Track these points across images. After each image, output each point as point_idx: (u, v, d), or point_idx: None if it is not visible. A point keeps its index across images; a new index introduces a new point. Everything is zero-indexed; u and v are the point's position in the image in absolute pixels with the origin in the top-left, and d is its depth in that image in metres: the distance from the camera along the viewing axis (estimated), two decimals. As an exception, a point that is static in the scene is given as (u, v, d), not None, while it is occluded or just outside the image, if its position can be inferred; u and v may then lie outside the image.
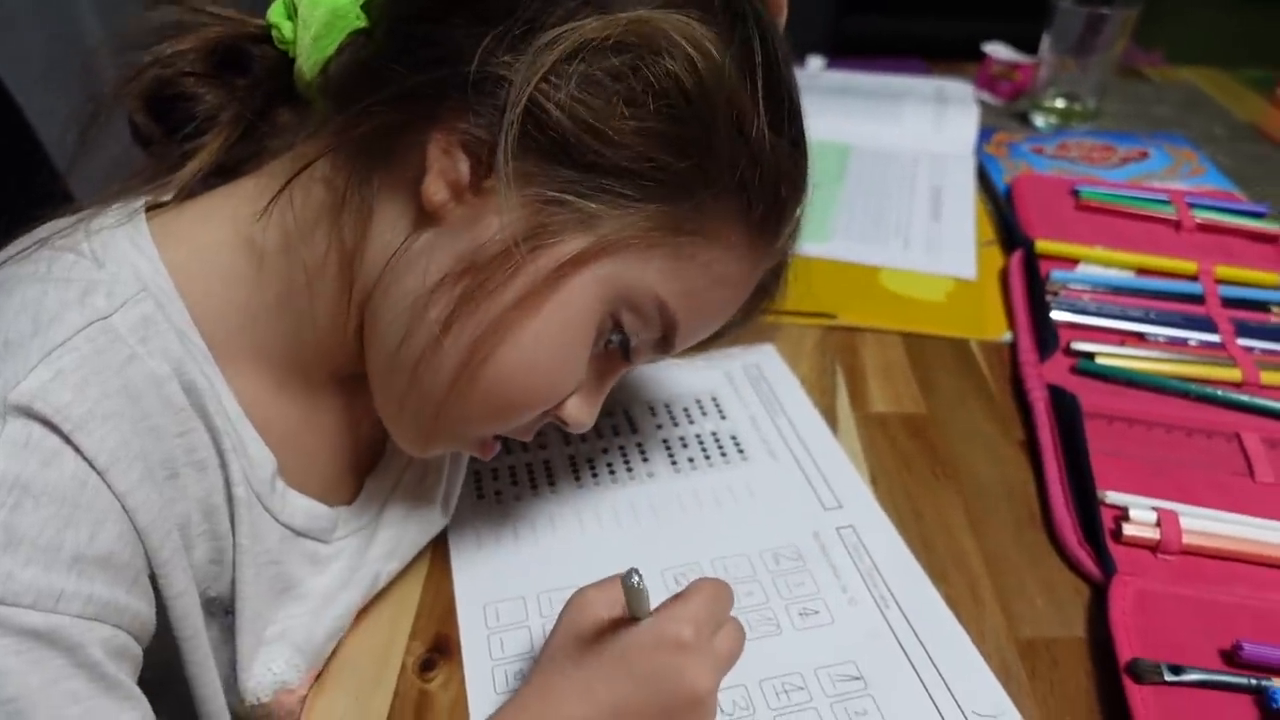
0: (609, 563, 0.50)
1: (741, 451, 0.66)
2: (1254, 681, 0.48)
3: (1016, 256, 0.86)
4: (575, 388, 0.47)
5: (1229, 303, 0.79)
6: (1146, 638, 0.51)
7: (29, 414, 0.35)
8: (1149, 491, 0.60)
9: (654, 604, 0.45)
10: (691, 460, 0.65)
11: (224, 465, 0.43)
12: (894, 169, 1.05)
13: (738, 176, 0.42)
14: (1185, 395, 0.69)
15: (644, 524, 0.61)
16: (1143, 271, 0.84)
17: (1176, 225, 0.89)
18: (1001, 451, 0.66)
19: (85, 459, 0.36)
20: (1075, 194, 0.94)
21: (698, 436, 0.68)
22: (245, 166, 0.47)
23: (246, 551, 0.45)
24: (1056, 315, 0.77)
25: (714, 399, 0.71)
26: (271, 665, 0.47)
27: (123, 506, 0.37)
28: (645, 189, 0.41)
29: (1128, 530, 0.57)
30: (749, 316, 0.55)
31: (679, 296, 0.44)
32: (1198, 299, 0.80)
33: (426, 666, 0.52)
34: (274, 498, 0.46)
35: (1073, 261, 0.85)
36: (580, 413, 0.48)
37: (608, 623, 0.45)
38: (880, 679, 0.50)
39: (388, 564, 0.54)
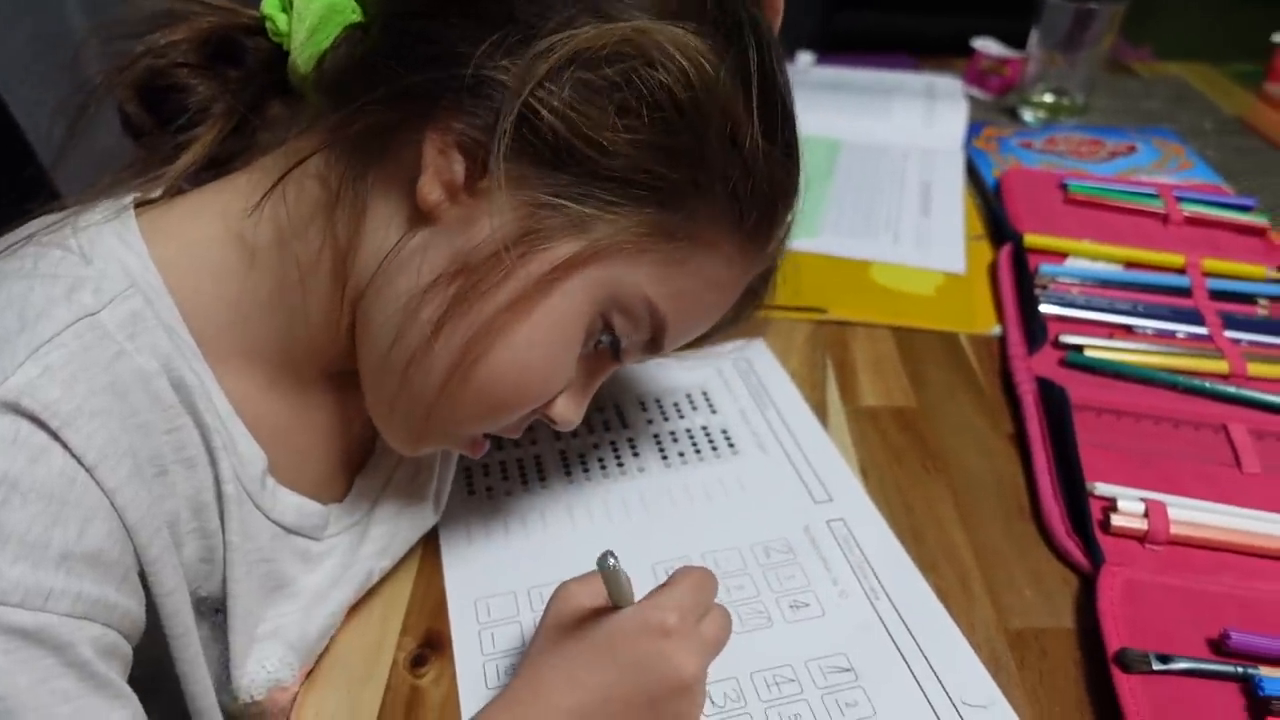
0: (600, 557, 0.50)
1: (732, 446, 0.66)
2: (1241, 670, 0.48)
3: (1005, 250, 0.87)
4: (565, 387, 0.47)
5: (1216, 295, 0.80)
6: (1135, 627, 0.51)
7: (17, 410, 0.35)
8: (1137, 483, 0.60)
9: (638, 594, 0.46)
10: (682, 455, 0.66)
11: (214, 462, 0.43)
12: (884, 164, 1.06)
13: (730, 186, 0.42)
14: (1173, 387, 0.69)
15: (635, 518, 0.61)
16: (1131, 265, 0.84)
17: (1164, 219, 0.90)
18: (991, 444, 0.67)
19: (73, 455, 0.36)
20: (1064, 188, 0.94)
21: (688, 431, 0.68)
22: (236, 161, 0.47)
23: (237, 549, 0.44)
24: (1045, 309, 0.77)
25: (704, 393, 0.71)
26: (265, 663, 0.47)
27: (111, 503, 0.37)
28: (638, 196, 0.41)
29: (1116, 521, 0.57)
30: (737, 318, 0.56)
31: (669, 300, 0.45)
32: (1185, 292, 0.80)
33: (418, 662, 0.52)
34: (264, 495, 0.46)
35: (1061, 255, 0.85)
36: (569, 411, 0.49)
37: (591, 611, 0.45)
38: (871, 670, 0.50)
39: (379, 561, 0.54)
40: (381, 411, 0.48)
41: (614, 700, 0.43)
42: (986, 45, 1.25)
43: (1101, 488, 0.60)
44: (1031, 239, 0.86)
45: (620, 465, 0.65)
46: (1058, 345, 0.74)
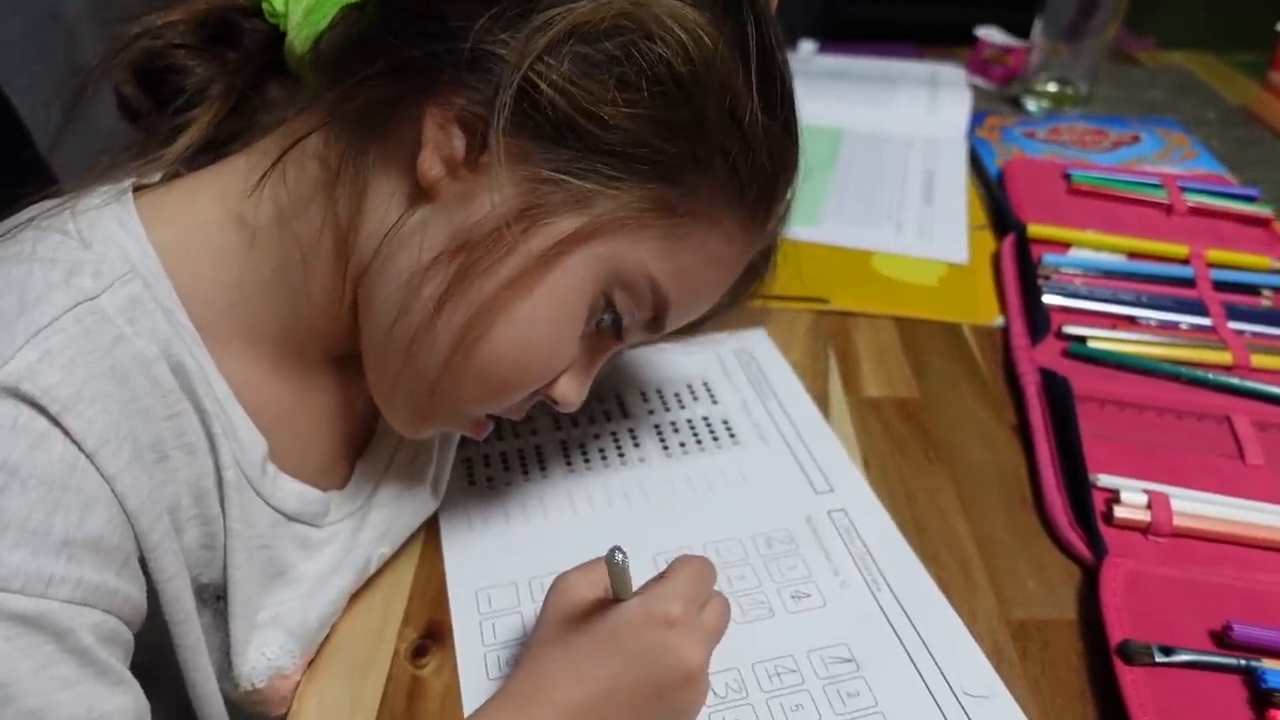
0: (600, 548, 0.49)
1: (733, 436, 0.66)
2: (1243, 662, 0.48)
3: (1008, 240, 0.86)
4: (567, 366, 0.47)
5: (1220, 286, 0.80)
6: (1137, 619, 0.51)
7: (16, 395, 0.35)
8: (1140, 474, 0.60)
9: (637, 584, 0.46)
10: (683, 445, 0.65)
11: (214, 448, 0.43)
12: (887, 153, 1.05)
13: (730, 160, 0.42)
14: (1176, 378, 0.69)
15: (636, 508, 0.60)
16: (1134, 255, 0.84)
17: (1168, 209, 0.89)
18: (993, 435, 0.66)
19: (73, 441, 0.35)
20: (1067, 178, 0.94)
21: (689, 421, 0.67)
22: (234, 143, 0.46)
23: (237, 536, 0.44)
24: (1048, 299, 0.77)
25: (705, 384, 0.71)
26: (265, 650, 0.47)
27: (112, 489, 0.37)
28: (639, 170, 0.41)
29: (1119, 512, 0.57)
30: (739, 297, 0.56)
31: (671, 276, 0.44)
32: (1189, 282, 0.80)
33: (419, 652, 0.52)
34: (265, 481, 0.46)
35: (1064, 245, 0.85)
36: (571, 391, 0.48)
37: (593, 603, 0.45)
38: (872, 661, 0.50)
39: (379, 547, 0.54)
40: (384, 391, 0.48)
41: (620, 692, 0.43)
42: (990, 34, 1.25)
43: (1104, 479, 0.59)
44: (1035, 229, 0.86)
45: (621, 455, 0.65)
46: (1061, 336, 0.73)
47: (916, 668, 0.50)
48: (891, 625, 0.52)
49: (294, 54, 0.45)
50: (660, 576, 0.46)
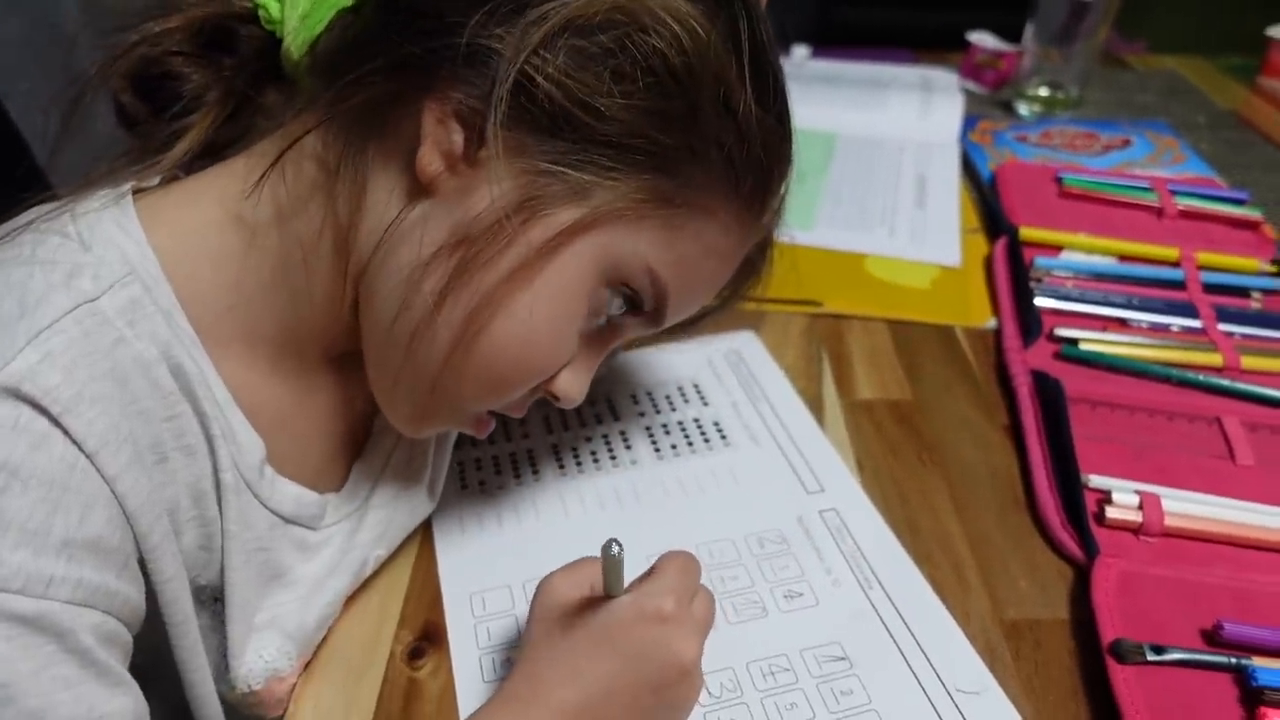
0: (593, 550, 0.49)
1: (724, 437, 0.66)
2: (1234, 660, 0.49)
3: (1001, 244, 0.87)
4: (568, 360, 0.47)
5: (1210, 288, 0.80)
6: (1129, 618, 0.51)
7: (18, 396, 0.35)
8: (1131, 475, 0.60)
9: (628, 580, 0.46)
10: (674, 447, 0.66)
11: (212, 451, 0.43)
12: (879, 157, 1.06)
13: (725, 151, 0.43)
14: (1167, 380, 0.70)
15: (628, 510, 0.61)
16: (1125, 258, 0.84)
17: (1159, 212, 0.90)
18: (986, 436, 0.67)
19: (74, 442, 0.36)
20: (1059, 181, 0.95)
21: (680, 423, 0.68)
22: (232, 148, 0.47)
23: (235, 538, 0.45)
24: (1040, 301, 0.77)
25: (695, 386, 0.71)
26: (263, 653, 0.47)
27: (112, 490, 0.37)
28: (635, 161, 0.41)
29: (1110, 513, 0.58)
30: (736, 292, 0.56)
31: (670, 267, 0.45)
32: (1179, 285, 0.81)
33: (415, 655, 0.52)
34: (262, 484, 0.46)
35: (1056, 248, 0.86)
36: (572, 386, 0.49)
37: (582, 602, 0.45)
38: (865, 659, 0.51)
39: (375, 549, 0.54)
40: (385, 388, 0.48)
41: (616, 691, 0.43)
42: (982, 39, 1.25)
43: (1096, 480, 0.60)
44: (1026, 232, 0.86)
45: (613, 458, 0.65)
46: (1053, 338, 0.74)
47: (909, 665, 0.50)
48: (884, 623, 0.52)
49: (290, 59, 0.45)
50: (648, 573, 0.47)
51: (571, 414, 0.68)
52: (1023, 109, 1.17)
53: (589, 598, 0.46)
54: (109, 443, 0.37)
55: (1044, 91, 1.16)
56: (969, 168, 1.04)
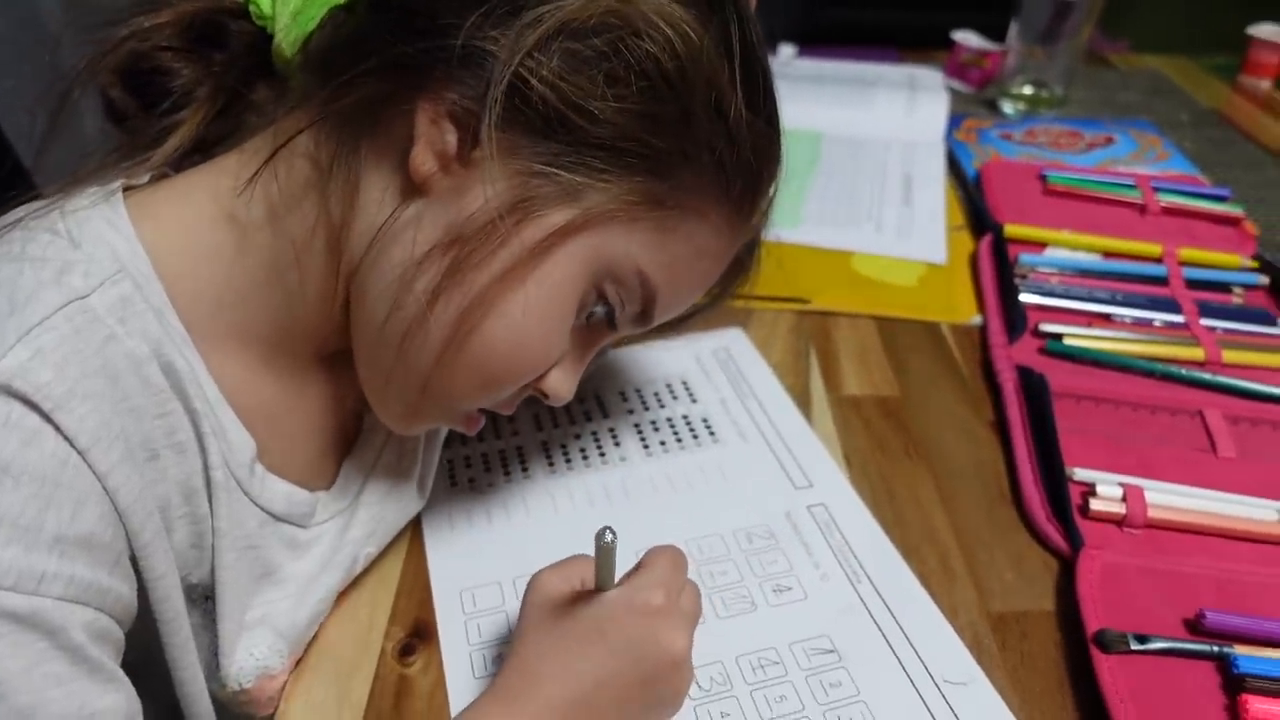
0: (583, 546, 0.50)
1: (713, 434, 0.67)
2: (1216, 649, 0.49)
3: (986, 241, 0.87)
4: (559, 359, 0.48)
5: (1192, 284, 0.81)
6: (1113, 609, 0.52)
7: (9, 392, 0.35)
8: (1115, 468, 0.61)
9: (618, 573, 0.46)
10: (663, 443, 0.66)
11: (203, 448, 0.43)
12: (866, 155, 1.06)
13: (716, 154, 0.43)
14: (1150, 374, 0.70)
15: (618, 507, 0.61)
16: (1109, 254, 0.85)
17: (1142, 209, 0.91)
18: (972, 431, 0.67)
19: (66, 438, 0.36)
20: (1043, 179, 0.95)
21: (669, 420, 0.68)
22: (222, 145, 0.47)
23: (225, 535, 0.45)
24: (1025, 298, 0.78)
25: (684, 383, 0.72)
26: (254, 650, 0.47)
27: (104, 487, 0.37)
28: (628, 164, 0.42)
29: (1095, 505, 0.58)
30: (725, 291, 0.56)
31: (660, 268, 0.45)
32: (1162, 281, 0.81)
33: (406, 651, 0.52)
34: (253, 482, 0.46)
35: (1041, 245, 0.86)
36: (562, 385, 0.49)
37: (573, 596, 0.45)
38: (854, 651, 0.51)
39: (365, 547, 0.54)
40: (376, 386, 0.48)
41: (608, 683, 0.43)
42: (966, 38, 1.26)
43: (1080, 473, 0.61)
44: (1011, 229, 0.87)
45: (602, 455, 0.65)
46: (1037, 334, 0.75)
47: (897, 657, 0.51)
48: (872, 616, 0.53)
49: (282, 55, 0.45)
50: (637, 567, 0.47)
51: (561, 411, 0.69)
52: (1007, 107, 1.18)
53: (579, 592, 0.46)
54: (100, 439, 0.37)
55: (1028, 90, 1.17)
56: (954, 166, 1.05)
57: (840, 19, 1.82)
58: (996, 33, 1.21)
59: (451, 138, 0.41)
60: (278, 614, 0.49)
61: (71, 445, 0.36)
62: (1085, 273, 0.83)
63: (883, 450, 0.66)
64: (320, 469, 0.53)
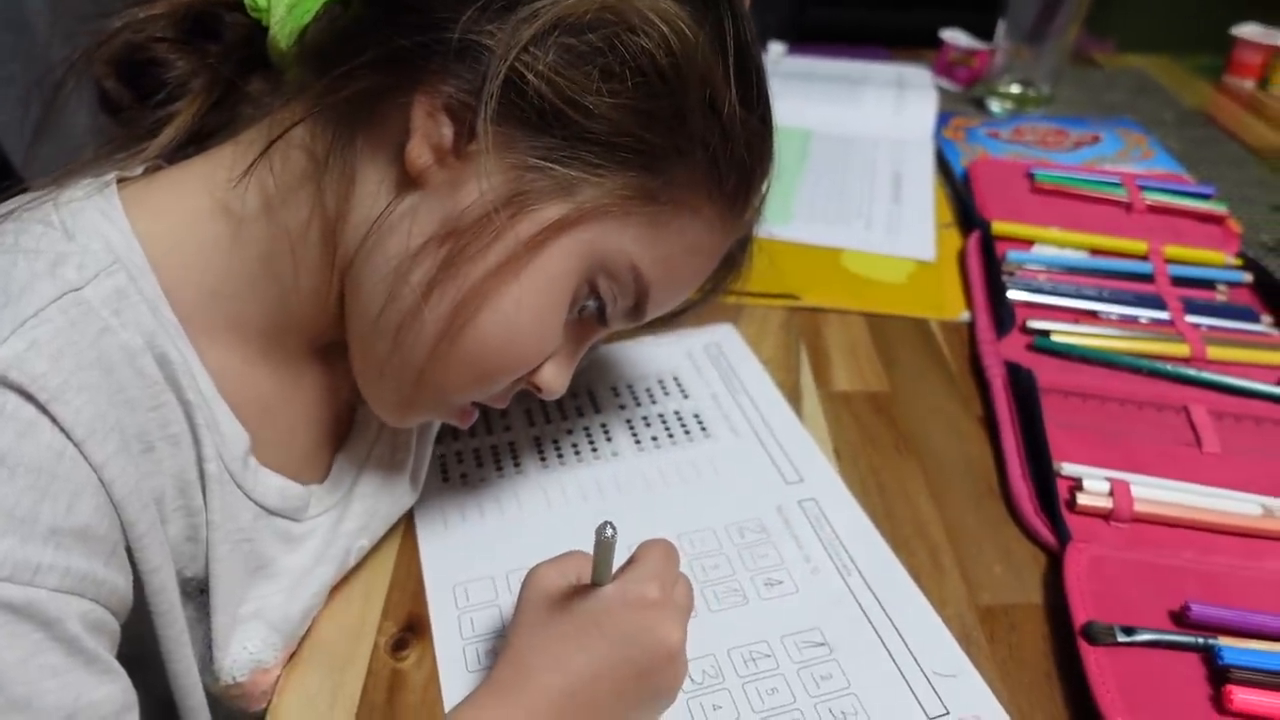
0: (576, 542, 0.50)
1: (704, 429, 0.67)
2: (1201, 640, 0.50)
3: (974, 238, 0.88)
4: (552, 352, 0.48)
5: (1177, 281, 0.82)
6: (1100, 601, 0.52)
7: (5, 383, 0.35)
8: (1102, 462, 0.62)
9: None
10: (655, 439, 0.66)
11: (196, 441, 0.43)
12: (855, 153, 1.07)
13: (710, 150, 0.43)
14: (1136, 370, 0.71)
15: (610, 502, 0.61)
16: (1095, 252, 0.86)
17: (1127, 207, 0.91)
18: (961, 426, 0.68)
19: (62, 429, 0.36)
20: (1030, 177, 0.96)
21: (660, 416, 0.68)
22: (216, 137, 0.47)
23: (219, 528, 0.45)
24: (1013, 294, 0.79)
25: (675, 378, 0.72)
26: (247, 644, 0.47)
27: (99, 478, 0.37)
28: (622, 159, 0.42)
29: (1082, 500, 0.59)
30: (718, 287, 0.57)
31: (653, 263, 0.46)
32: (1148, 278, 0.82)
33: (399, 646, 0.52)
34: (246, 475, 0.46)
35: (1028, 242, 0.87)
36: (555, 379, 0.49)
37: (569, 590, 0.46)
38: (844, 644, 0.51)
39: (358, 540, 0.54)
40: (371, 379, 0.48)
41: (602, 676, 0.43)
42: (954, 37, 1.27)
43: (1068, 468, 0.61)
44: (999, 227, 0.88)
45: (594, 450, 0.65)
46: (1025, 330, 0.75)
47: (887, 649, 0.51)
48: (862, 609, 0.53)
49: (277, 48, 0.45)
50: (630, 561, 0.47)
51: (553, 407, 0.69)
52: (995, 106, 1.18)
53: (575, 586, 0.46)
54: (96, 431, 0.37)
55: (1015, 89, 1.17)
56: (943, 164, 1.06)
57: (829, 17, 1.83)
58: (984, 32, 1.22)
59: (447, 131, 0.41)
60: (271, 607, 0.49)
61: (68, 437, 0.36)
62: (1072, 270, 0.83)
63: (873, 445, 0.66)
64: (314, 462, 0.53)
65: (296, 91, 0.44)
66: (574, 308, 0.46)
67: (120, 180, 0.44)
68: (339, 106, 0.42)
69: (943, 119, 1.14)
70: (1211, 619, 0.51)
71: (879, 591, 0.54)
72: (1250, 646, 0.49)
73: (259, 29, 0.46)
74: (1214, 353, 0.73)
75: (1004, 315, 0.76)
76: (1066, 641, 0.51)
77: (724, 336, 0.76)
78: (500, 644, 0.50)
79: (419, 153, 0.41)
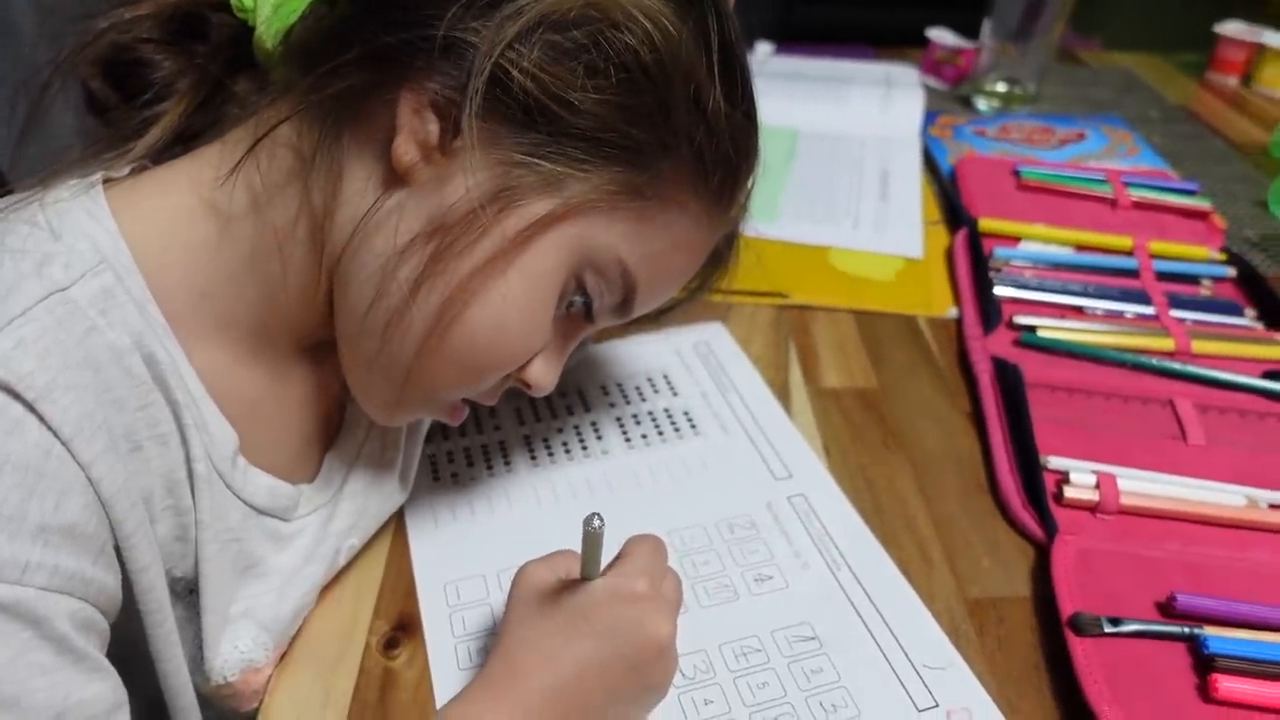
0: (566, 539, 0.50)
1: (694, 426, 0.67)
2: (1187, 630, 0.50)
3: (961, 235, 0.88)
4: (541, 348, 0.48)
5: (1162, 276, 0.82)
6: (1087, 593, 0.53)
7: None
8: (1088, 456, 0.62)
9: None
10: (645, 436, 0.66)
11: (185, 440, 0.43)
12: (842, 152, 1.07)
13: (695, 146, 0.44)
14: (1122, 364, 0.72)
15: (600, 499, 0.61)
16: (1081, 248, 0.87)
17: (1113, 203, 0.92)
18: (949, 421, 0.68)
19: (49, 428, 0.35)
20: (1016, 174, 0.97)
21: (650, 413, 0.69)
22: (203, 137, 0.47)
23: (208, 528, 0.45)
24: (1000, 291, 0.79)
25: (665, 376, 0.72)
26: (238, 644, 0.47)
27: (87, 477, 0.37)
28: (608, 155, 0.42)
29: (1069, 493, 0.59)
30: (705, 285, 0.57)
31: (640, 259, 0.46)
32: (1133, 273, 0.83)
33: (390, 645, 0.52)
34: (235, 475, 0.46)
35: (1015, 239, 0.88)
36: (544, 375, 0.49)
37: (558, 586, 0.46)
38: (834, 638, 0.52)
39: (348, 539, 0.54)
40: (359, 376, 0.48)
41: (592, 671, 0.43)
42: (941, 36, 1.28)
43: (1055, 461, 0.62)
44: (986, 223, 0.88)
45: (584, 448, 0.65)
46: (1012, 326, 0.76)
47: (877, 643, 0.51)
48: (852, 604, 0.54)
49: (263, 48, 0.45)
50: (618, 557, 0.47)
51: (543, 405, 0.69)
52: (981, 104, 1.19)
53: (565, 582, 0.46)
54: (83, 429, 0.37)
55: (1002, 87, 1.18)
56: (930, 161, 1.06)
57: (816, 17, 1.83)
58: (970, 30, 1.23)
59: (433, 128, 0.41)
60: (261, 607, 0.49)
61: (55, 435, 0.36)
62: (1058, 266, 0.84)
63: (861, 441, 0.67)
64: (303, 461, 0.53)
65: (283, 90, 0.44)
66: (562, 303, 0.46)
67: (106, 181, 0.44)
68: (325, 104, 0.42)
69: (929, 117, 1.14)
70: (1197, 609, 0.51)
71: (868, 586, 0.55)
72: (1235, 636, 0.50)
73: (245, 29, 0.46)
74: (1198, 346, 0.73)
75: (991, 311, 0.77)
76: (1054, 633, 0.52)
77: (713, 335, 0.77)
78: (491, 642, 0.50)
79: (405, 149, 0.41)
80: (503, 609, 0.47)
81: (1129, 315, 0.77)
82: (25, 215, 0.41)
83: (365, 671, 0.51)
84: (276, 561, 0.50)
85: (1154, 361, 0.71)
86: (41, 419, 0.35)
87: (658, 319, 0.58)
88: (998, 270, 0.83)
